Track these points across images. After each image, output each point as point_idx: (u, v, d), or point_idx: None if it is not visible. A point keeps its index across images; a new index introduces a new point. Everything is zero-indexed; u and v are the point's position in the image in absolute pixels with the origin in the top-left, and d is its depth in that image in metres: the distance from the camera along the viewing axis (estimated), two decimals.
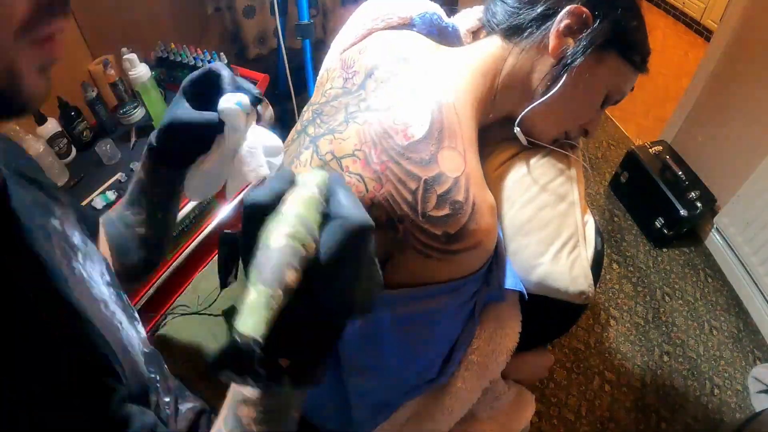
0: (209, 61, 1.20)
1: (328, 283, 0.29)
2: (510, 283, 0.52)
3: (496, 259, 0.51)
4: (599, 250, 0.61)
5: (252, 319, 0.25)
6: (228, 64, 1.22)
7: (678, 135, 1.98)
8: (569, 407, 1.41)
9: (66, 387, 0.32)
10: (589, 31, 0.53)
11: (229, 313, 0.28)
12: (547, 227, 0.57)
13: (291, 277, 0.27)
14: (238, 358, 0.25)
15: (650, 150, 1.91)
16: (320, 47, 1.77)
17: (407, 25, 0.59)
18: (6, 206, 0.36)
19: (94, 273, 0.44)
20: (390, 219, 0.44)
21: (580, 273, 0.56)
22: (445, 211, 0.43)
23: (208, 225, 1.21)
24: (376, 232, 0.43)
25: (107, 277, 0.47)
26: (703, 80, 1.81)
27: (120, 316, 0.44)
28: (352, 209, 0.29)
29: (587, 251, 0.59)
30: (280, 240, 0.27)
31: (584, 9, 0.52)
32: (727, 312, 1.70)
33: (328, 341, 0.31)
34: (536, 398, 0.79)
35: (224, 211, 1.24)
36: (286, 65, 1.52)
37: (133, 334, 0.45)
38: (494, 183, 0.60)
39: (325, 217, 0.30)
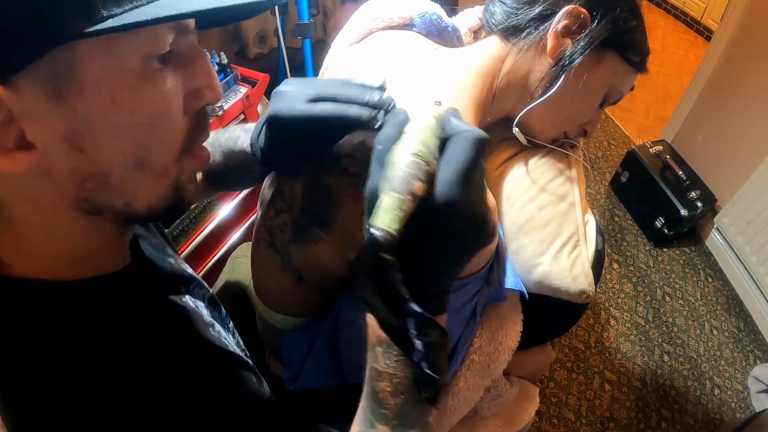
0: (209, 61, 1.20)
1: (450, 195, 0.30)
2: (510, 282, 0.52)
3: (497, 258, 0.51)
4: (600, 249, 0.61)
5: (386, 217, 0.28)
6: (228, 64, 1.22)
7: (678, 135, 1.98)
8: (569, 407, 1.41)
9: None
10: (587, 31, 0.53)
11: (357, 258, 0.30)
12: (547, 227, 0.57)
13: (418, 186, 0.29)
14: (375, 249, 0.27)
15: (651, 150, 1.90)
16: (320, 47, 1.77)
17: (407, 25, 0.59)
18: (143, 258, 0.41)
19: (199, 301, 0.46)
20: None
21: (580, 272, 0.56)
22: None
23: (208, 225, 1.21)
24: None
25: (206, 301, 0.48)
26: (704, 80, 1.81)
27: (225, 335, 0.45)
28: (470, 127, 0.32)
29: (588, 251, 0.59)
30: (406, 157, 0.30)
31: (582, 9, 0.52)
32: (728, 312, 1.70)
33: (451, 256, 0.33)
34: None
35: (224, 211, 1.24)
36: (287, 65, 1.52)
37: (233, 343, 0.46)
38: (494, 183, 0.60)
39: (443, 141, 0.32)
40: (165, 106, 0.32)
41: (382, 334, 0.34)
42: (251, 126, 0.52)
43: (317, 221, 0.46)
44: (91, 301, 0.35)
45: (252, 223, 1.28)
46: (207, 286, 0.50)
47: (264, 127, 0.44)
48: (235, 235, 1.31)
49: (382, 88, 0.38)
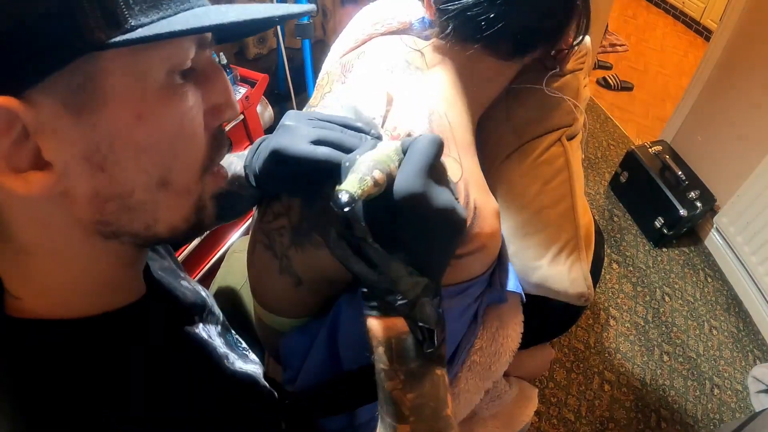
0: None
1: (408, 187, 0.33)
2: (511, 285, 0.52)
3: (499, 260, 0.51)
4: (599, 250, 0.61)
5: (348, 184, 0.32)
6: (228, 64, 1.22)
7: (678, 135, 1.98)
8: (569, 407, 1.41)
9: None
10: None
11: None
12: (546, 229, 0.57)
13: (379, 175, 0.33)
14: (341, 205, 0.31)
15: (650, 150, 1.91)
16: (320, 47, 1.77)
17: (406, 29, 0.59)
18: (158, 286, 0.40)
19: (211, 329, 0.45)
20: None
21: (579, 275, 0.56)
22: None
23: None
24: None
25: (219, 326, 0.48)
26: (703, 80, 1.81)
27: (240, 363, 0.45)
28: (425, 135, 0.35)
29: (587, 252, 0.59)
30: (367, 159, 0.34)
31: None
32: (727, 312, 1.70)
33: (428, 247, 0.35)
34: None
35: None
36: (286, 65, 1.51)
37: (252, 369, 0.46)
38: (493, 184, 0.60)
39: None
40: (188, 123, 0.31)
41: (381, 335, 0.35)
42: (243, 152, 0.52)
43: (318, 226, 0.46)
44: (107, 340, 0.33)
45: (249, 224, 1.28)
46: (219, 311, 0.49)
47: (267, 156, 0.43)
48: (234, 236, 1.31)
49: (378, 137, 0.40)
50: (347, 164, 0.35)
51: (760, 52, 1.57)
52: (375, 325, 0.36)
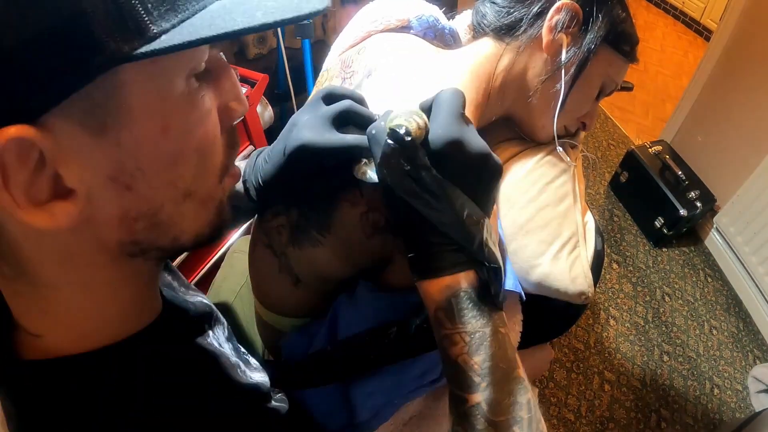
0: None
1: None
2: (510, 284, 0.52)
3: None
4: (599, 250, 0.61)
5: (398, 120, 0.32)
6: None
7: (678, 135, 1.98)
8: (569, 407, 1.41)
9: None
10: (590, 27, 0.53)
11: None
12: (547, 227, 0.57)
13: (418, 119, 0.33)
14: (399, 138, 0.31)
15: (650, 150, 1.91)
16: (320, 47, 1.76)
17: (405, 27, 0.59)
18: (169, 301, 0.39)
19: (220, 335, 0.45)
20: (389, 222, 0.44)
21: (579, 273, 0.56)
22: None
23: None
24: (378, 237, 0.44)
25: (225, 331, 0.47)
26: (703, 80, 1.81)
27: (250, 372, 0.44)
28: (447, 88, 0.36)
29: (587, 251, 0.59)
30: (402, 107, 0.34)
31: (575, 4, 0.53)
32: (727, 312, 1.70)
33: (471, 192, 0.35)
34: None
35: None
36: (286, 65, 1.51)
37: (260, 378, 0.45)
38: None
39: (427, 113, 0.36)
40: (211, 128, 0.30)
41: (440, 296, 0.35)
42: (239, 164, 0.51)
43: (316, 224, 0.46)
44: (134, 366, 0.32)
45: (250, 224, 1.28)
46: (222, 317, 0.49)
47: (293, 152, 0.41)
48: (234, 236, 1.31)
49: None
50: (373, 132, 0.35)
51: (760, 52, 1.57)
52: (431, 287, 0.35)
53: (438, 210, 0.33)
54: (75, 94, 0.22)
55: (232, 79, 0.32)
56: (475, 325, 0.34)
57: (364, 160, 0.39)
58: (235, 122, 0.34)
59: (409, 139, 0.31)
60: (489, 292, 0.35)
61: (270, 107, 1.50)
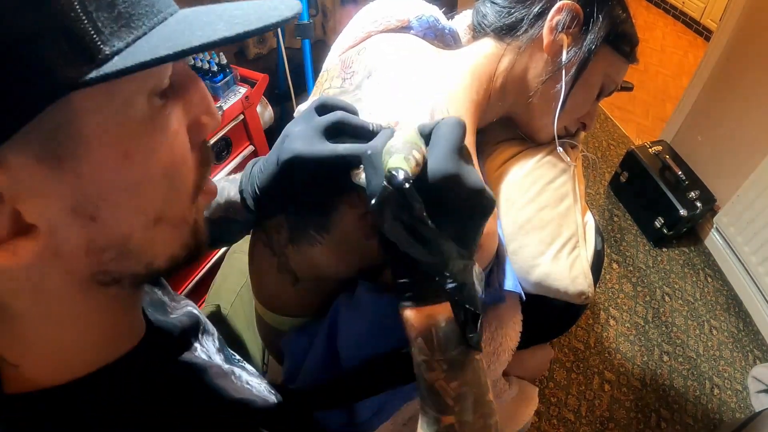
0: (209, 61, 1.19)
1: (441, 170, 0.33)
2: (509, 285, 0.52)
3: (497, 260, 0.51)
4: (599, 250, 0.61)
5: (396, 161, 0.32)
6: (228, 64, 1.22)
7: (678, 135, 1.98)
8: (569, 407, 1.41)
9: None
10: (591, 28, 0.53)
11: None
12: (547, 227, 0.57)
13: (418, 156, 0.33)
14: (397, 183, 0.30)
15: (650, 150, 1.91)
16: (320, 47, 1.76)
17: (405, 27, 0.59)
18: (153, 323, 0.38)
19: (209, 345, 0.44)
20: None
21: (579, 273, 0.56)
22: None
23: None
24: (376, 238, 0.44)
25: (216, 341, 0.46)
26: (703, 80, 1.81)
27: (245, 376, 0.44)
28: (449, 117, 0.35)
29: (587, 251, 0.59)
30: (399, 140, 0.34)
31: (576, 4, 0.53)
32: (727, 312, 1.70)
33: (462, 228, 0.35)
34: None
35: None
36: (286, 65, 1.51)
37: (257, 383, 0.45)
38: (494, 183, 0.60)
39: (427, 139, 0.36)
40: (179, 148, 0.28)
41: (421, 325, 0.35)
42: (235, 176, 0.51)
43: (315, 224, 0.46)
44: (113, 394, 0.31)
45: None
46: (211, 326, 0.48)
47: (284, 164, 0.41)
48: None
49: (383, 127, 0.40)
50: (369, 153, 0.35)
51: (760, 52, 1.57)
52: (413, 316, 0.36)
53: (426, 257, 0.34)
54: (26, 126, 0.20)
55: (201, 91, 0.30)
56: (452, 353, 0.35)
57: (362, 166, 0.39)
58: (210, 136, 0.33)
59: (408, 186, 0.31)
60: (464, 333, 0.35)
61: (270, 107, 1.50)
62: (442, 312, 0.35)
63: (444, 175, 0.33)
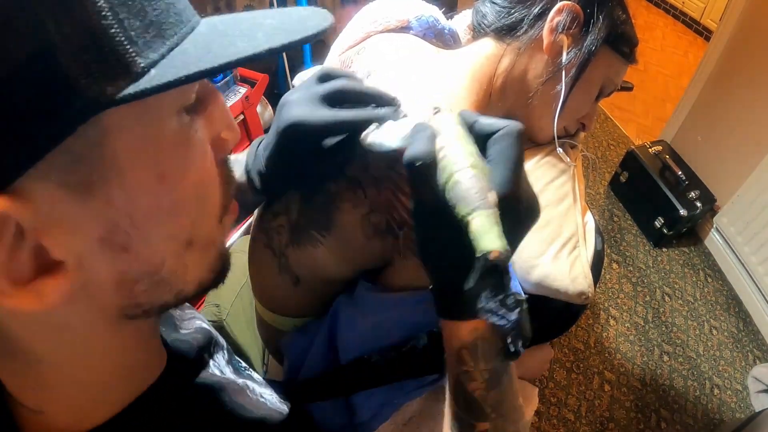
0: None
1: (511, 187, 0.31)
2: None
3: None
4: (599, 250, 0.61)
5: (489, 237, 0.28)
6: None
7: (678, 135, 1.98)
8: (569, 407, 1.41)
9: None
10: (591, 29, 0.53)
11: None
12: (547, 227, 0.57)
13: (492, 195, 0.29)
14: (497, 269, 0.28)
15: (650, 150, 1.91)
16: (320, 47, 1.76)
17: (405, 28, 0.59)
18: (172, 350, 0.37)
19: (220, 359, 0.44)
20: (390, 225, 0.44)
21: (579, 273, 0.56)
22: None
23: None
24: (378, 239, 0.44)
25: (225, 353, 0.46)
26: (703, 80, 1.81)
27: (258, 388, 0.44)
28: (503, 121, 0.32)
29: (587, 251, 0.59)
30: (467, 172, 0.29)
31: (576, 5, 0.53)
32: (727, 312, 1.70)
33: (514, 239, 0.34)
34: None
35: None
36: (286, 65, 1.52)
37: (267, 393, 0.45)
38: None
39: (477, 140, 0.32)
40: (208, 168, 0.26)
41: (466, 337, 0.35)
42: (239, 156, 0.49)
43: (316, 224, 0.46)
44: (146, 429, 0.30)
45: (250, 224, 1.28)
46: (220, 338, 0.48)
47: (282, 132, 0.39)
48: (234, 236, 1.31)
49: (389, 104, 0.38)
50: (419, 164, 0.31)
51: (760, 53, 1.57)
52: (458, 328, 0.35)
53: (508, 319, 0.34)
54: (52, 152, 0.18)
55: (221, 105, 0.28)
56: (494, 365, 0.35)
57: (372, 126, 0.36)
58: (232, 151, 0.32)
59: (507, 276, 0.29)
60: (509, 353, 0.35)
61: (270, 107, 1.51)
62: (486, 324, 0.35)
63: (507, 196, 0.31)
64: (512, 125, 0.31)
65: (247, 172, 0.47)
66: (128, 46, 0.19)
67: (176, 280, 0.27)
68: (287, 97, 0.39)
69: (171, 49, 0.21)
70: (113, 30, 0.18)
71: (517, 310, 0.33)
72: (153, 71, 0.19)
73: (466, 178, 0.29)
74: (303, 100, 0.37)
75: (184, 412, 0.34)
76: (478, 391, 0.35)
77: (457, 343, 0.35)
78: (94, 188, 0.20)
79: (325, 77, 0.39)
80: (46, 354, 0.25)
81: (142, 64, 0.19)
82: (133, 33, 0.19)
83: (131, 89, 0.18)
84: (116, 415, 0.29)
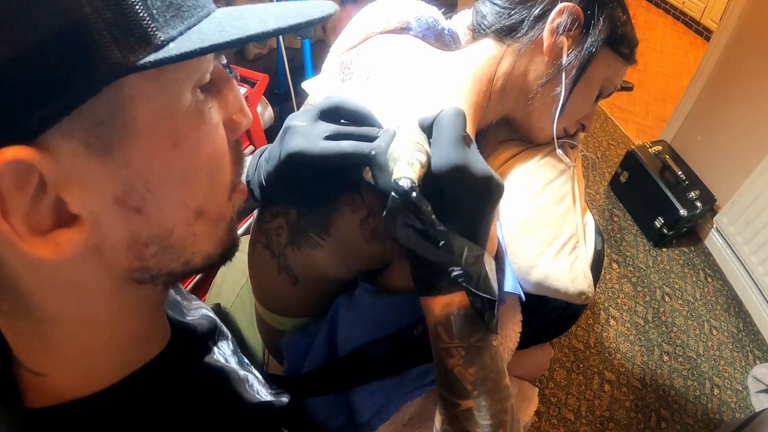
0: None
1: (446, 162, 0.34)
2: (509, 286, 0.52)
3: (497, 262, 0.50)
4: (599, 250, 0.61)
5: (401, 170, 0.32)
6: (227, 64, 1.22)
7: (678, 135, 1.98)
8: (569, 407, 1.41)
9: None
10: (591, 30, 0.53)
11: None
12: (547, 227, 0.57)
13: (423, 157, 0.33)
14: (405, 194, 0.31)
15: (650, 150, 1.91)
16: (320, 47, 1.77)
17: (404, 29, 0.59)
18: (176, 325, 0.38)
19: (225, 349, 0.44)
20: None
21: (579, 273, 0.56)
22: None
23: None
24: (377, 242, 0.44)
25: (230, 343, 0.46)
26: (703, 80, 1.81)
27: (256, 385, 0.44)
28: (448, 108, 0.36)
29: (587, 251, 0.59)
30: (402, 144, 0.34)
31: (576, 7, 0.53)
32: (727, 312, 1.70)
33: (473, 216, 0.36)
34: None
35: None
36: (286, 65, 1.51)
37: (264, 392, 0.45)
38: None
39: (429, 133, 0.36)
40: (219, 142, 0.28)
41: (439, 313, 0.36)
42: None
43: (315, 227, 0.46)
44: (143, 403, 0.31)
45: (249, 224, 1.28)
46: (225, 328, 0.48)
47: (284, 161, 0.40)
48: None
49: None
50: (373, 153, 0.35)
51: (760, 52, 1.57)
52: (432, 304, 0.36)
53: (439, 256, 0.34)
54: (76, 111, 0.20)
55: (235, 90, 0.31)
56: (470, 339, 0.36)
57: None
58: (243, 136, 0.34)
59: (415, 195, 0.31)
60: (483, 318, 0.36)
61: (270, 107, 1.51)
62: (459, 300, 0.36)
63: (450, 167, 0.33)
64: (449, 108, 0.36)
65: (248, 181, 0.48)
66: (150, 21, 0.21)
67: (185, 248, 0.28)
68: (290, 122, 0.41)
69: (188, 29, 0.23)
70: (137, 6, 0.21)
71: (443, 243, 0.34)
72: (171, 44, 0.22)
73: (399, 147, 0.34)
74: (304, 129, 0.39)
75: (186, 387, 0.35)
76: (456, 368, 0.36)
77: (433, 319, 0.37)
78: (113, 150, 0.22)
79: (333, 112, 0.40)
80: (53, 313, 0.26)
81: (162, 38, 0.21)
82: (154, 11, 0.21)
83: (151, 57, 0.21)
84: (117, 383, 0.30)
